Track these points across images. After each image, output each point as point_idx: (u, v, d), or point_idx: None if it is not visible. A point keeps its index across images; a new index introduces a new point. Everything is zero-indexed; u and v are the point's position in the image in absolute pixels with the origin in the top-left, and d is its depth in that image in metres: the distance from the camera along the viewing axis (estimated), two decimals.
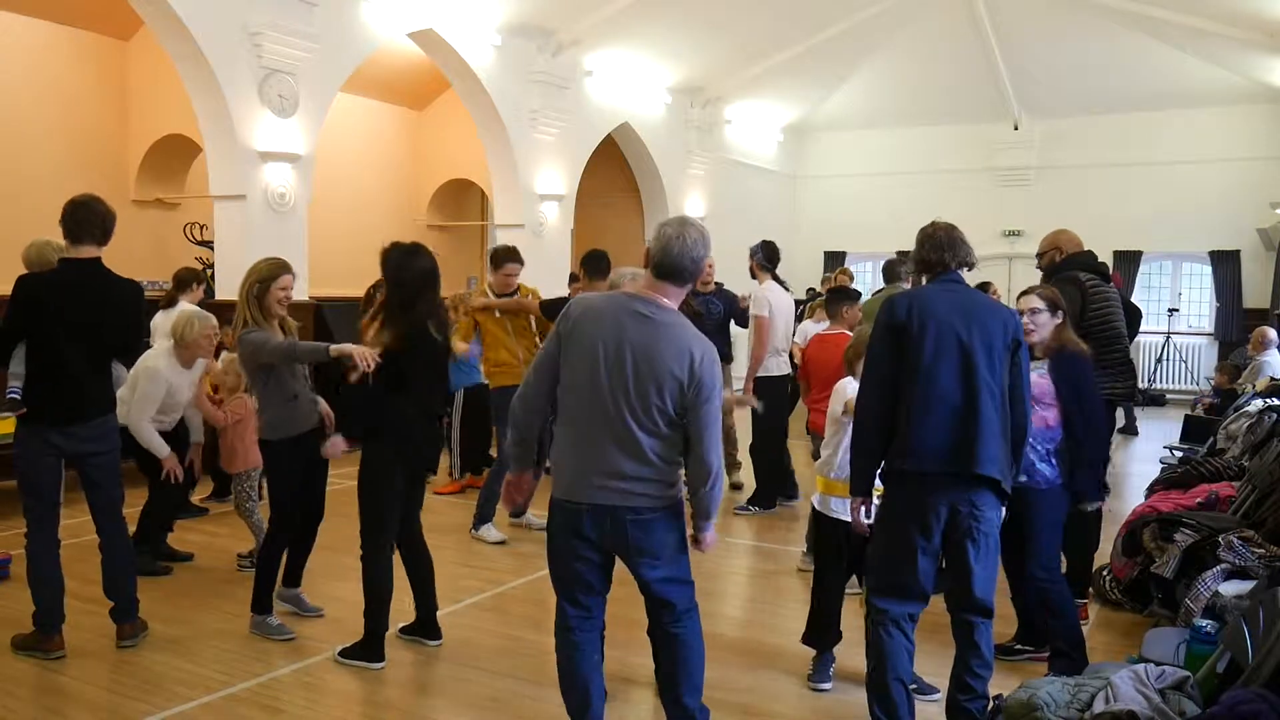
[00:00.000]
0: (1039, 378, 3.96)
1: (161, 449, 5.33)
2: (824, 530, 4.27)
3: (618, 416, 3.00)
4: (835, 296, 6.05)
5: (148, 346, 5.89)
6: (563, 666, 3.26)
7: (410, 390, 4.18)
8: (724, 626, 4.85)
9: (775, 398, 7.00)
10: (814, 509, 4.38)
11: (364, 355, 4.14)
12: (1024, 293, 4.22)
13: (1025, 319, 4.00)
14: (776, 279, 7.40)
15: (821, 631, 4.19)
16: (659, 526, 3.09)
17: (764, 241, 7.49)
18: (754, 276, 7.41)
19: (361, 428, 4.28)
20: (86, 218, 4.18)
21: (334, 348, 4.36)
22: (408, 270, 4.18)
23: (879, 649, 3.36)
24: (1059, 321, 4.10)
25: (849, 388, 4.12)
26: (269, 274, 4.49)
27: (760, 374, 7.06)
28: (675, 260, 3.05)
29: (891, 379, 3.32)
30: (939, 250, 3.48)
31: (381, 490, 4.23)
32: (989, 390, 3.28)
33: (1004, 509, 3.42)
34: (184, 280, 7.29)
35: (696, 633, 3.24)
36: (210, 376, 6.07)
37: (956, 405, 3.26)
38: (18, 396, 4.27)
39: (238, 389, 5.64)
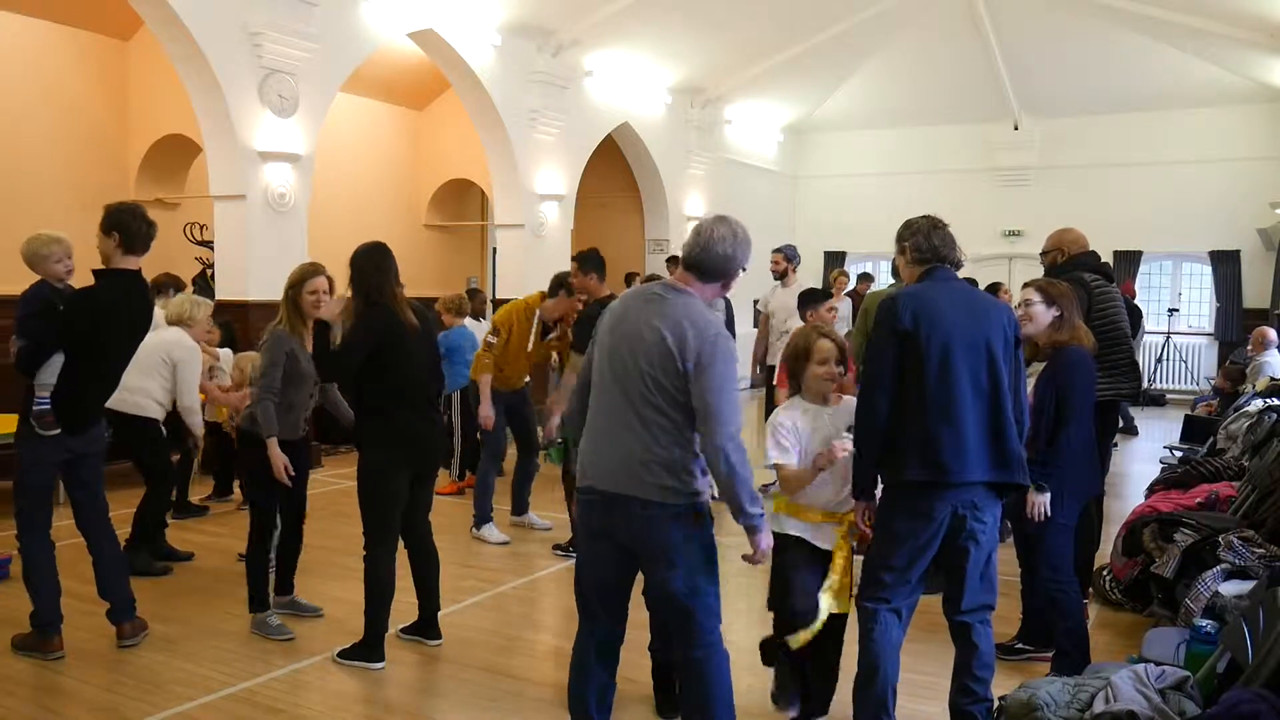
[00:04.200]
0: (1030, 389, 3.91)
1: (199, 427, 5.97)
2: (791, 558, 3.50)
3: (625, 399, 2.94)
4: (805, 299, 5.99)
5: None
6: (570, 686, 3.18)
7: (397, 385, 4.18)
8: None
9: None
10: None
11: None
12: (1026, 284, 4.20)
13: (1020, 310, 3.98)
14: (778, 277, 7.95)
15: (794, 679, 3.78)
16: (674, 527, 2.93)
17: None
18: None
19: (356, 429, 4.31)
20: (143, 231, 4.25)
21: (270, 445, 4.47)
22: (373, 265, 4.22)
23: (872, 652, 3.33)
24: (1057, 314, 4.03)
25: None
26: (299, 277, 4.56)
27: (771, 362, 7.68)
28: (699, 254, 2.99)
29: (894, 386, 3.23)
30: (950, 245, 3.40)
31: (381, 490, 4.23)
32: (1005, 391, 3.24)
33: (1000, 505, 3.40)
34: (160, 286, 7.23)
35: (720, 663, 3.06)
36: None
37: (978, 411, 3.19)
38: (47, 406, 4.19)
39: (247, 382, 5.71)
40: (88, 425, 4.31)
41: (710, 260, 2.99)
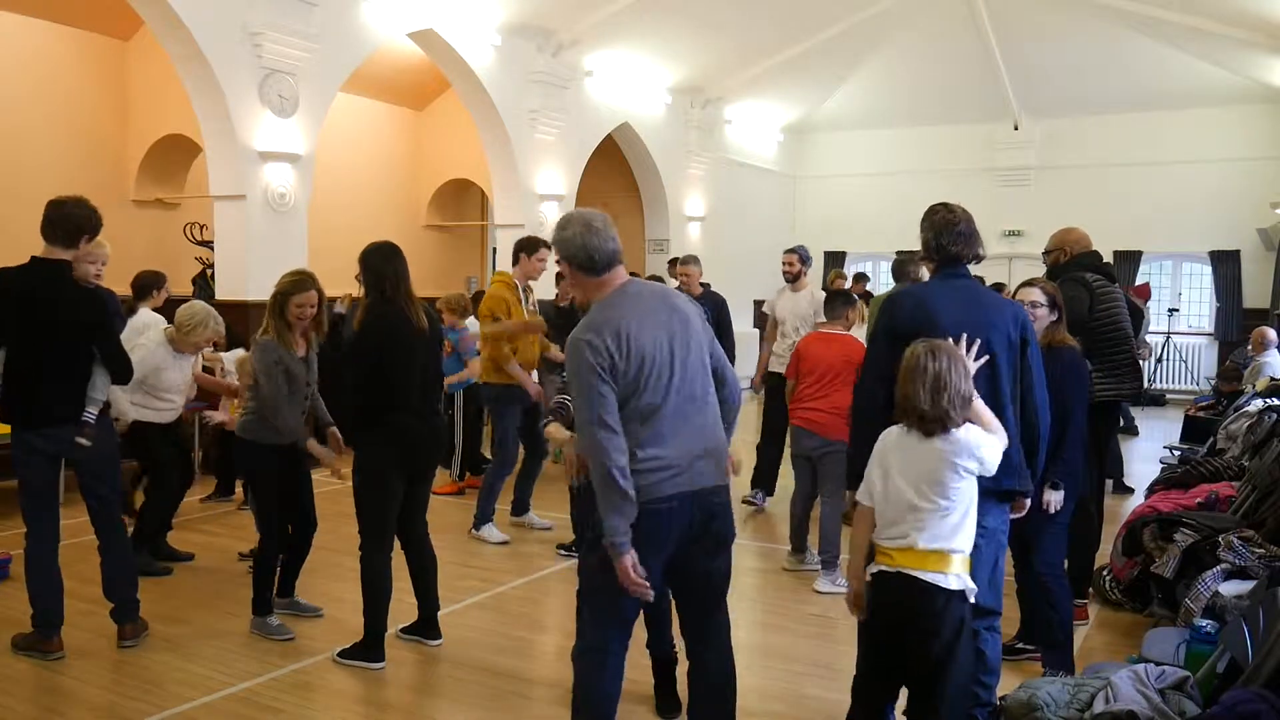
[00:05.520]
0: None
1: (127, 413, 5.33)
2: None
3: (693, 394, 2.97)
4: (833, 298, 6.06)
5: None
6: (592, 689, 3.04)
7: (397, 384, 4.19)
8: None
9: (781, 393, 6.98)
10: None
11: (335, 469, 4.53)
12: (1025, 284, 4.16)
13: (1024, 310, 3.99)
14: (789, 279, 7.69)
15: None
16: (730, 505, 3.07)
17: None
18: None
19: (353, 429, 4.33)
20: (54, 218, 4.18)
21: (310, 444, 4.56)
22: (383, 259, 4.26)
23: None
24: (1054, 319, 4.07)
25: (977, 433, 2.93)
26: (288, 289, 4.51)
27: (771, 369, 7.42)
28: (606, 252, 3.02)
29: (891, 378, 3.18)
30: (962, 242, 3.33)
31: (377, 490, 4.23)
32: (1003, 391, 3.22)
33: (1008, 511, 3.38)
34: (145, 285, 6.60)
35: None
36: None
37: None
38: None
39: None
40: (45, 422, 4.19)
41: (616, 249, 3.06)
